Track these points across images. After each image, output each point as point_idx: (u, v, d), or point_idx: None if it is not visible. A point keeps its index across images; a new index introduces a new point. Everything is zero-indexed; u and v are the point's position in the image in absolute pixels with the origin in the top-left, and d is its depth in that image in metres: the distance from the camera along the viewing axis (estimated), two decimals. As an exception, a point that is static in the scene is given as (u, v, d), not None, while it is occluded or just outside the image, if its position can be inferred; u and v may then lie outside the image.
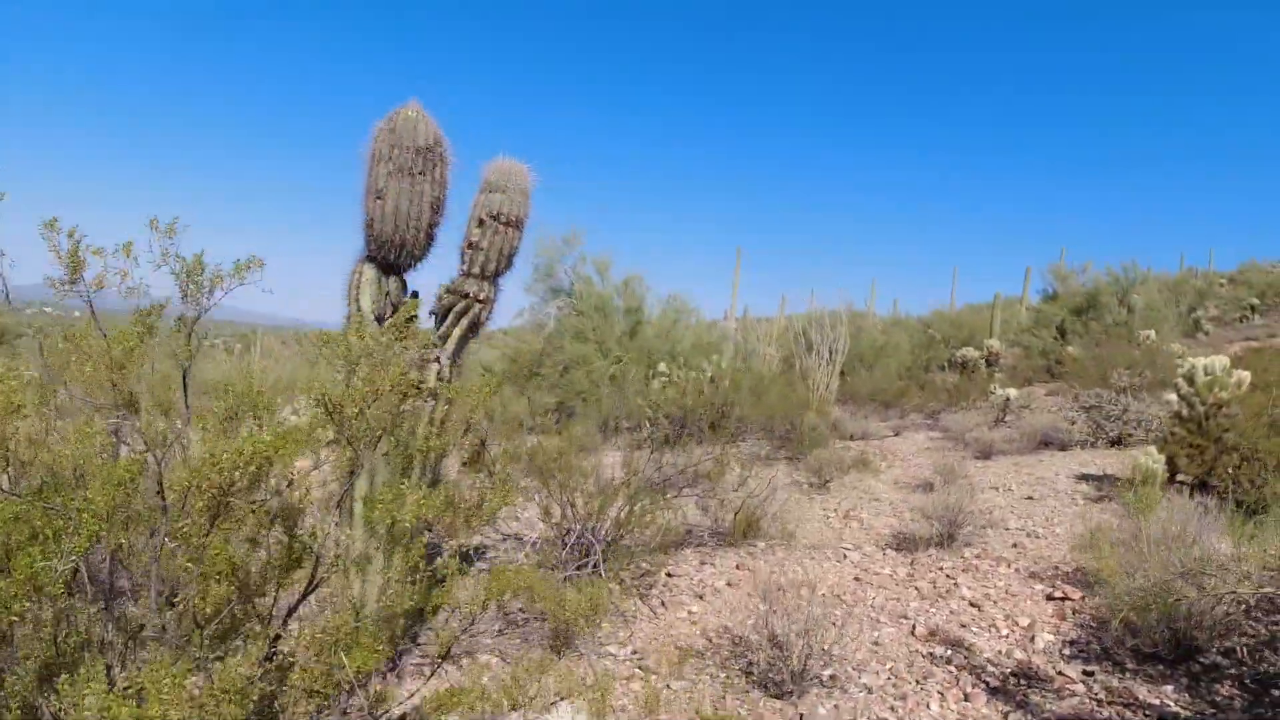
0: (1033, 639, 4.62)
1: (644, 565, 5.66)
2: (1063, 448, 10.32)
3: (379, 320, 3.86)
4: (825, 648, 4.29)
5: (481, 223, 3.84)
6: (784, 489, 8.43)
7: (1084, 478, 8.40)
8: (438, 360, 3.79)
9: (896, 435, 12.84)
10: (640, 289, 14.04)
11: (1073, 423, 10.81)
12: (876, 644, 4.65)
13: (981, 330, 22.46)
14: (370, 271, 3.86)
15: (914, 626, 4.86)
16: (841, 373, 15.22)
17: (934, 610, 5.10)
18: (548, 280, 13.92)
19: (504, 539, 6.54)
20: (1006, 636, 4.72)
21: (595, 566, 5.22)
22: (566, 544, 5.33)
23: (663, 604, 5.28)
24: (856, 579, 5.67)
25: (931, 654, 4.50)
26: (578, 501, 5.42)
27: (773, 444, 10.67)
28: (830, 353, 14.52)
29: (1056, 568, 5.69)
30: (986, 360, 19.83)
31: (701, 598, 5.36)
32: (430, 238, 3.87)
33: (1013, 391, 13.56)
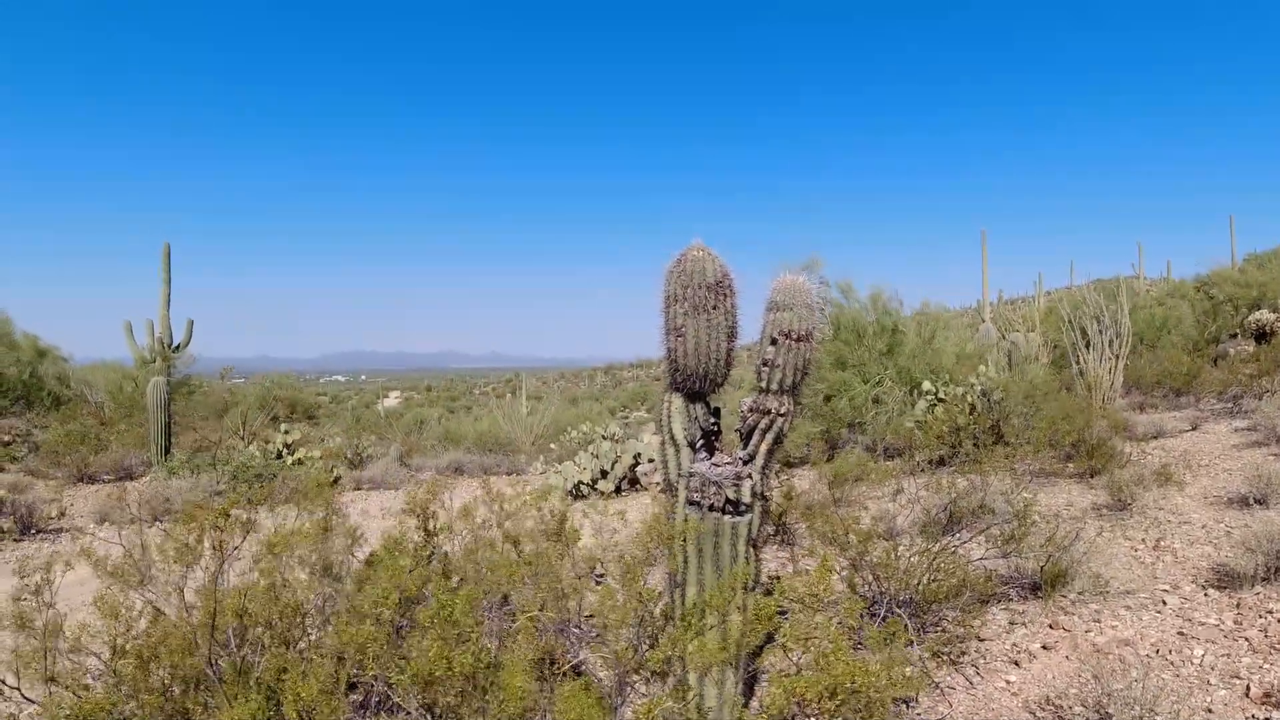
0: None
1: (950, 627, 5.64)
2: None
3: (691, 446, 4.19)
4: None
5: (774, 341, 4.07)
6: (1080, 515, 8.07)
7: None
8: (750, 476, 4.05)
9: (1194, 430, 11.81)
10: (890, 301, 13.83)
11: None
12: (1209, 711, 4.41)
13: (1273, 287, 20.13)
14: (678, 401, 4.20)
15: (1248, 687, 4.56)
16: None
17: (1267, 666, 4.74)
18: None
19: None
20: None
21: (910, 639, 5.28)
22: (875, 615, 5.45)
23: (977, 672, 5.22)
24: (1180, 633, 5.34)
25: (1269, 720, 4.24)
26: (880, 573, 5.52)
27: (1056, 459, 10.19)
28: (1109, 345, 13.62)
29: None
30: (1288, 323, 17.81)
31: (1017, 664, 5.25)
32: (729, 363, 4.16)
33: (1327, 361, 12.15)
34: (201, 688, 3.75)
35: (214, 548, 3.52)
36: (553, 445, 16.80)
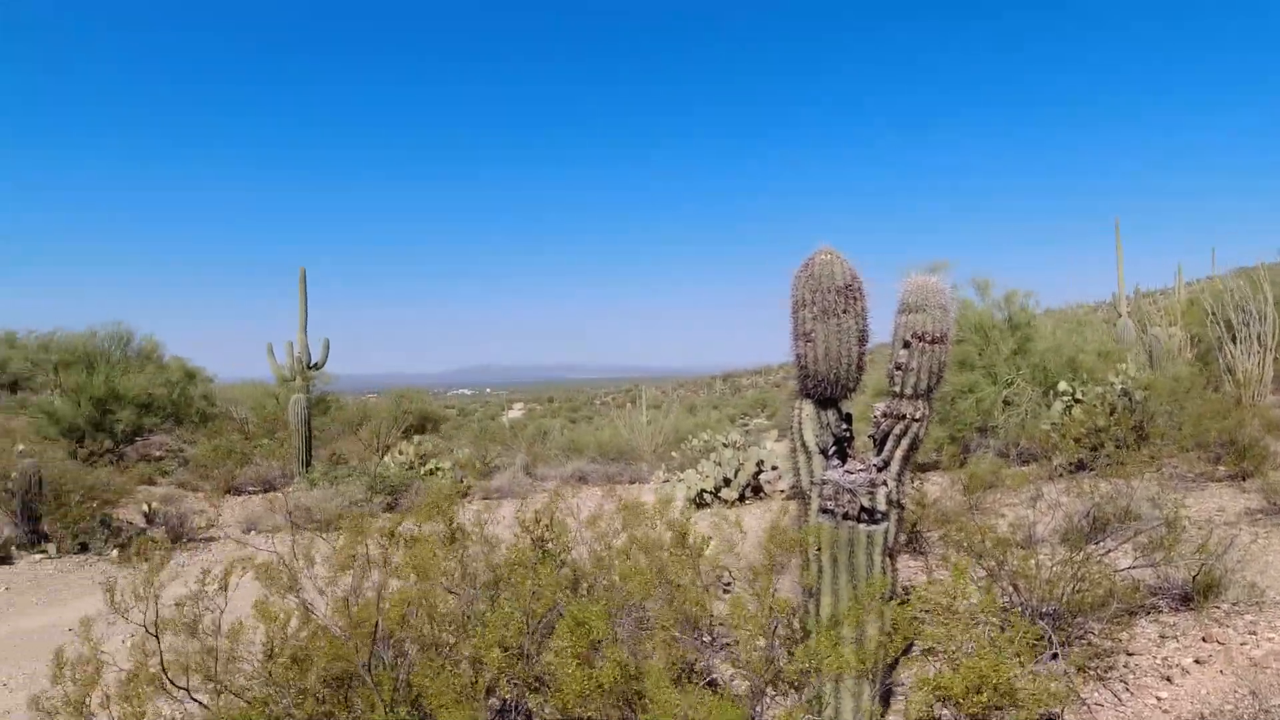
0: None
1: (1096, 640, 5.37)
2: None
3: (823, 453, 4.12)
4: None
5: (907, 344, 3.97)
6: (1233, 520, 7.58)
7: None
8: (885, 483, 3.95)
9: (1362, 427, 10.96)
10: (1024, 301, 13.31)
11: None
12: (1376, 727, 4.07)
13: None
14: (809, 408, 4.14)
15: None
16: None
17: None
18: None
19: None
20: None
21: (1054, 652, 5.05)
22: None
23: (1126, 688, 4.94)
24: (1343, 644, 4.96)
25: None
26: (1020, 583, 5.29)
27: (1205, 461, 9.59)
28: (1257, 338, 12.76)
29: None
30: None
31: (1169, 679, 4.94)
32: (860, 368, 4.08)
33: None
34: (348, 688, 3.90)
35: (373, 556, 3.66)
36: (674, 453, 16.83)
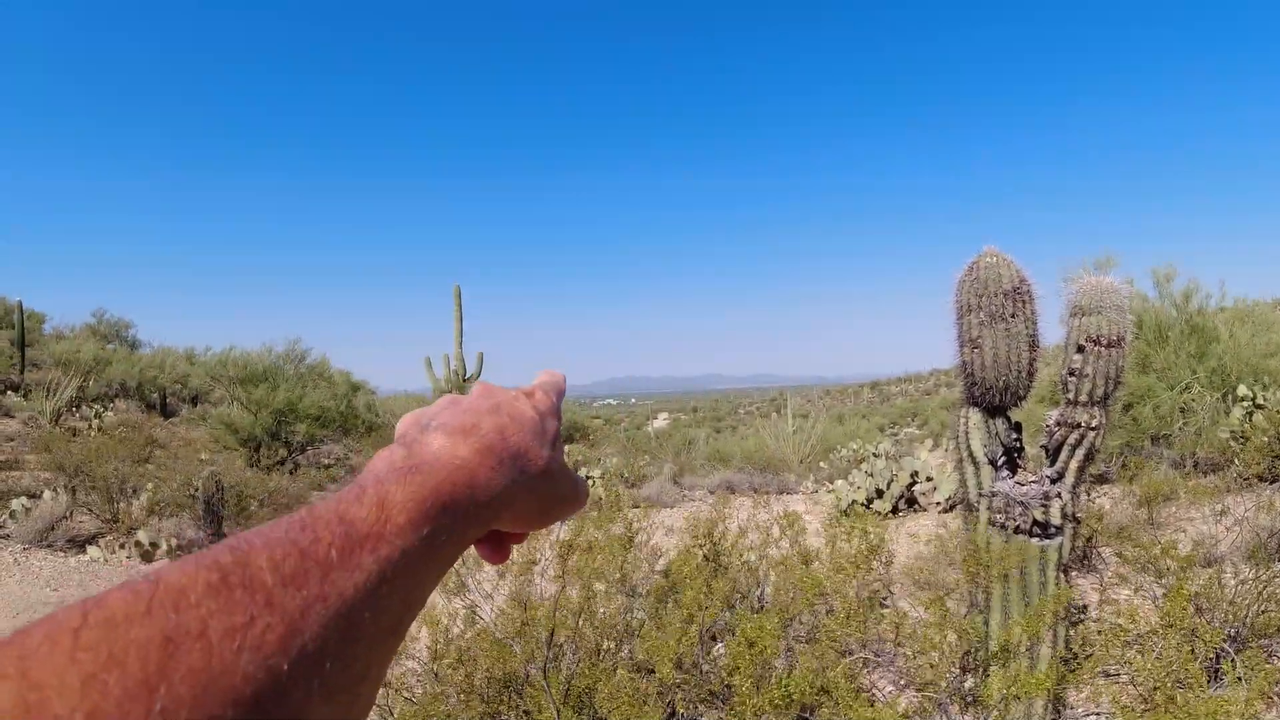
0: None
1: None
2: None
3: (992, 463, 3.96)
4: None
5: (1081, 348, 3.77)
6: None
7: None
8: (1059, 496, 3.77)
9: None
10: (1202, 298, 12.41)
11: None
12: None
13: None
14: (976, 416, 3.99)
15: None
16: None
17: None
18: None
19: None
20: None
21: (1239, 676, 4.68)
22: (1195, 652, 4.86)
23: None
24: None
25: None
26: (1202, 604, 4.93)
27: None
28: None
29: None
30: None
31: (1364, 708, 4.52)
32: (1031, 374, 3.90)
33: None
34: (512, 690, 4.00)
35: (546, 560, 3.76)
36: (822, 464, 16.55)
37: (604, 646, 3.53)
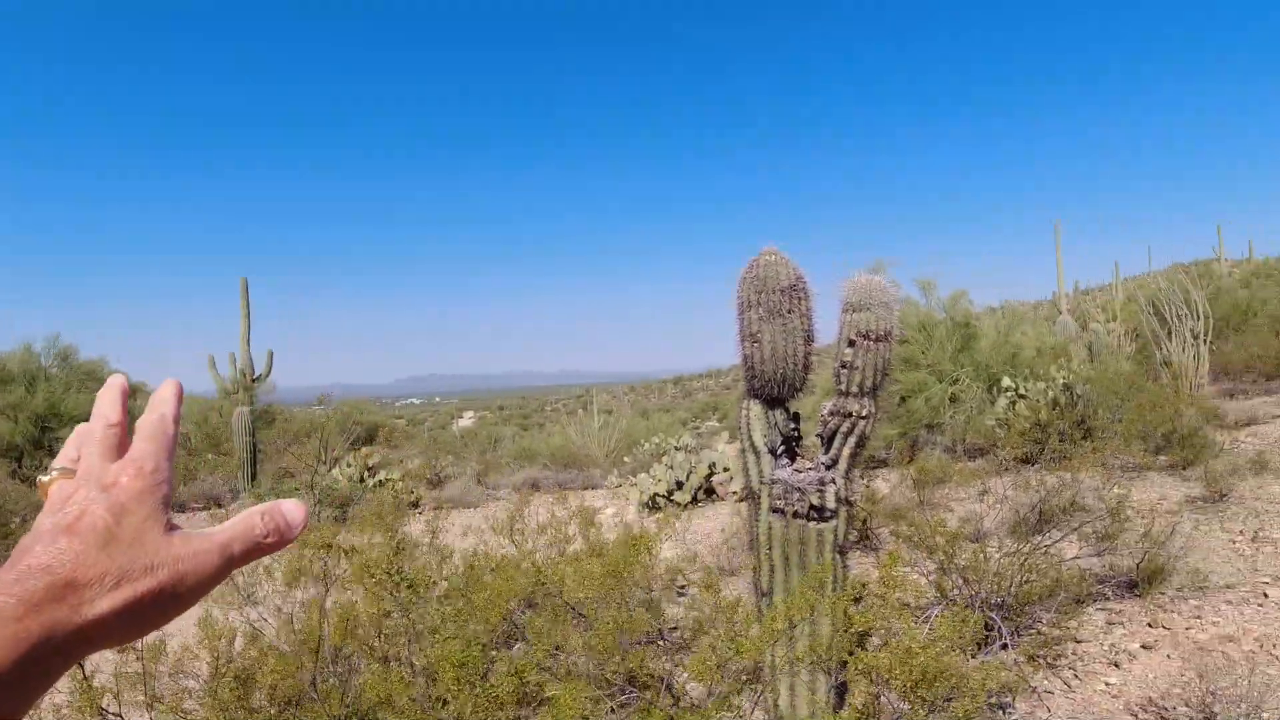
0: None
1: (1045, 630, 5.48)
2: None
3: (772, 452, 4.14)
4: (1265, 718, 3.95)
5: (852, 342, 4.00)
6: (1175, 508, 7.79)
7: None
8: (834, 481, 3.99)
9: (1291, 415, 11.34)
10: (966, 302, 13.56)
11: None
12: (1320, 706, 4.21)
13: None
14: (756, 408, 4.15)
15: (1356, 680, 4.34)
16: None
17: (1374, 657, 4.52)
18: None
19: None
20: None
21: (1004, 643, 5.15)
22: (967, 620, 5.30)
23: (1075, 675, 5.06)
24: (1285, 626, 5.13)
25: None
26: (970, 576, 5.38)
27: (1147, 451, 9.85)
28: (1191, 331, 13.15)
29: None
30: (1389, 298, 16.94)
31: (1117, 665, 5.07)
32: (807, 367, 4.10)
33: None
34: (297, 706, 3.82)
35: (318, 572, 3.59)
36: (626, 458, 16.82)
37: (390, 654, 3.43)
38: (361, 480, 14.46)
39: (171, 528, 0.67)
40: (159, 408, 0.73)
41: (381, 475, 14.59)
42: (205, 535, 0.68)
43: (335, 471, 14.92)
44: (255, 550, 0.70)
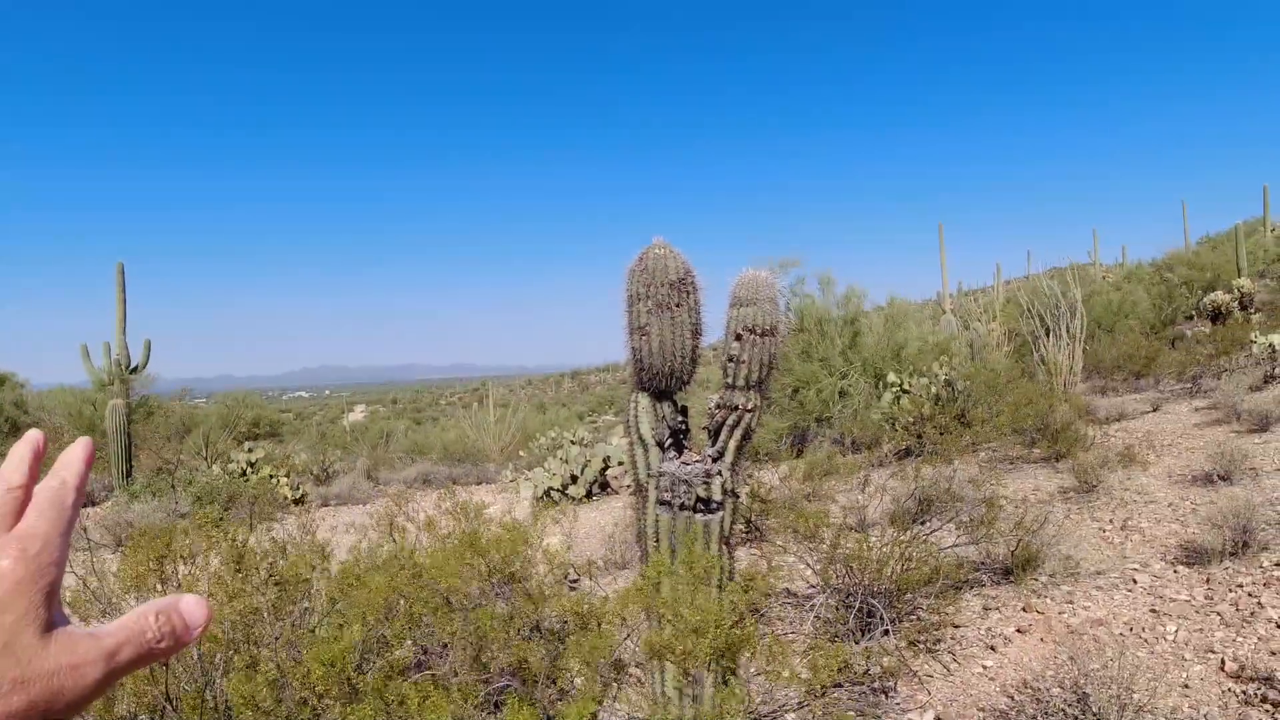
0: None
1: (925, 616, 5.67)
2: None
3: (659, 445, 4.15)
4: (1135, 698, 4.17)
5: (739, 337, 4.04)
6: (1048, 498, 8.16)
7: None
8: (720, 473, 4.02)
9: (1155, 411, 11.99)
10: (858, 299, 13.93)
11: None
12: (1186, 686, 4.45)
13: (1226, 269, 20.57)
14: (644, 400, 4.16)
15: (1222, 661, 4.62)
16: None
17: (1240, 639, 4.80)
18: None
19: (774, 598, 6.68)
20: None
21: (886, 629, 5.29)
22: (850, 607, 5.46)
23: (954, 659, 5.25)
24: (1153, 610, 5.40)
25: (1244, 693, 4.28)
26: (853, 565, 5.52)
27: (1022, 445, 10.30)
28: (1067, 330, 13.80)
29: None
30: (1240, 303, 18.13)
31: (993, 649, 5.28)
32: (694, 360, 4.12)
33: (1277, 339, 12.38)
34: (165, 715, 3.64)
35: (167, 576, 3.43)
36: (522, 453, 16.70)
37: (262, 658, 3.30)
38: (243, 476, 13.96)
39: (51, 626, 0.58)
40: (60, 472, 0.64)
41: (265, 471, 14.11)
42: (91, 638, 0.59)
43: (215, 467, 14.37)
44: (146, 657, 0.62)
